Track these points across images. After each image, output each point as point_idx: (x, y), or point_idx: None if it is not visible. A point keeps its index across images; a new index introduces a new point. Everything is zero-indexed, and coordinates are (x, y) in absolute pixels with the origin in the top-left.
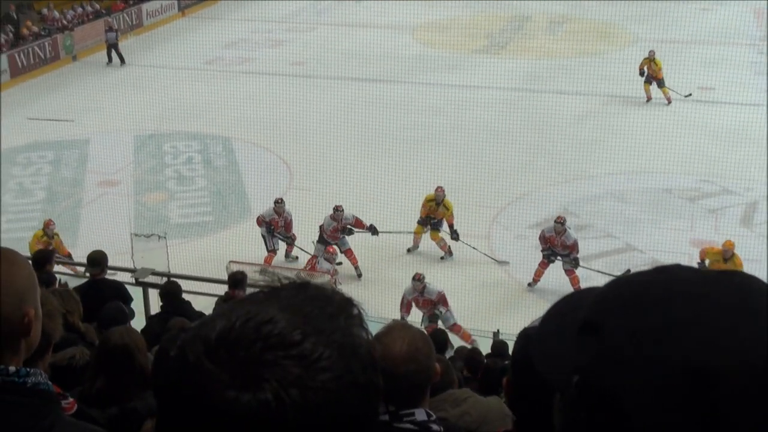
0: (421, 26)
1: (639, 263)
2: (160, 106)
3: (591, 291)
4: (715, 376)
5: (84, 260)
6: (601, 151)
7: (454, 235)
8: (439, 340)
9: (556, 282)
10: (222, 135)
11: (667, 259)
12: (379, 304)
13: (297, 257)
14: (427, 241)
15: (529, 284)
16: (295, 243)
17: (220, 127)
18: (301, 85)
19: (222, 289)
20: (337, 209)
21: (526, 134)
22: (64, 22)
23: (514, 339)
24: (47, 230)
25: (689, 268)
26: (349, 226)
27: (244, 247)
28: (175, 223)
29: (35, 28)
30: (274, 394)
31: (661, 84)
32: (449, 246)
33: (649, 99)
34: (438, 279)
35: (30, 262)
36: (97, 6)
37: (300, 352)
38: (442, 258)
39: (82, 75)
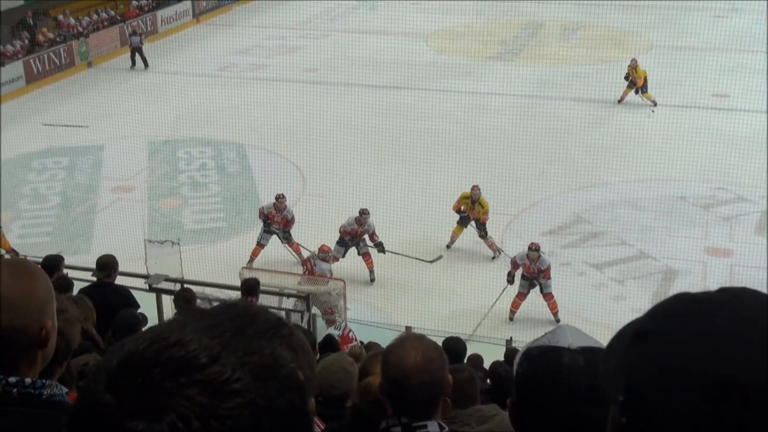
0: (434, 33)
1: (652, 271)
2: (175, 113)
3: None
4: (743, 392)
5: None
6: (615, 159)
7: (483, 233)
8: (457, 349)
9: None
10: (235, 141)
11: (680, 266)
12: (392, 310)
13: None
14: (462, 240)
15: (510, 318)
16: (290, 247)
17: (234, 134)
18: (315, 92)
19: (236, 296)
20: (363, 212)
21: (541, 141)
22: (80, 28)
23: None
24: None
25: (754, 292)
26: (365, 236)
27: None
28: (188, 229)
29: (51, 35)
30: (170, 426)
31: (643, 90)
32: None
33: (621, 100)
34: (449, 282)
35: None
36: (113, 12)
37: (205, 376)
38: (493, 258)
39: (97, 81)
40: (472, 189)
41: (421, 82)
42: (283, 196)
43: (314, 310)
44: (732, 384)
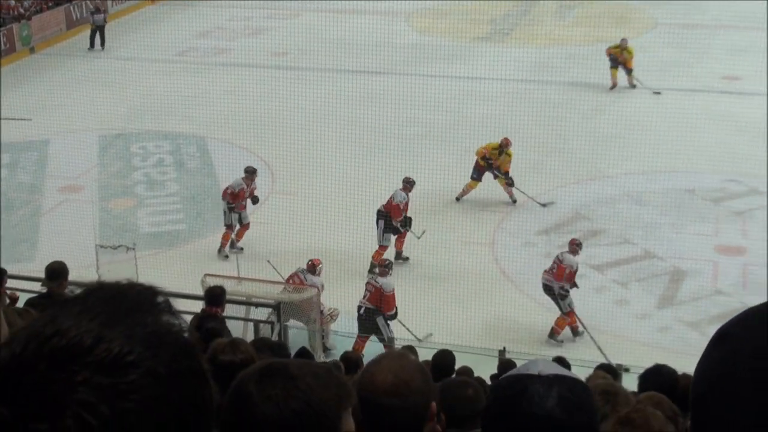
0: (417, 12)
1: (658, 271)
2: (128, 103)
3: None
4: None
5: (42, 273)
6: (617, 149)
7: (510, 181)
8: (446, 364)
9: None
10: (196, 134)
11: (689, 267)
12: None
13: (242, 248)
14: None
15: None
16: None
17: (194, 126)
18: (284, 78)
19: (198, 306)
20: (408, 180)
21: (535, 130)
22: (21, 10)
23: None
24: None
25: None
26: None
27: (222, 259)
28: (144, 232)
29: None
30: (75, 418)
31: (629, 72)
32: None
33: (614, 86)
34: (435, 287)
35: None
36: None
37: (95, 357)
38: (514, 201)
39: (40, 69)
40: (503, 140)
41: (402, 66)
42: (255, 170)
43: (292, 322)
44: None
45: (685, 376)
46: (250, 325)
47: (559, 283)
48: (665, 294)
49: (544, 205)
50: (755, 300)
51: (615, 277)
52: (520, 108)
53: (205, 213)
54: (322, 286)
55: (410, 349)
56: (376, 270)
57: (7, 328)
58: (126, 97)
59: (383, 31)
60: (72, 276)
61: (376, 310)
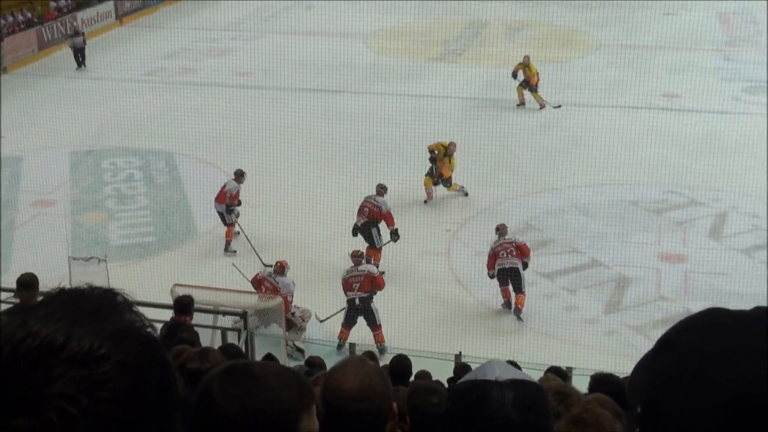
0: (374, 33)
1: (605, 279)
2: (98, 121)
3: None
4: (755, 410)
5: (14, 285)
6: (564, 163)
7: (444, 183)
8: (402, 368)
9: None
10: (164, 150)
11: (634, 274)
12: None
13: (235, 251)
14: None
15: (507, 308)
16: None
17: (163, 142)
18: (249, 97)
19: (167, 314)
20: (382, 186)
21: (486, 145)
22: None
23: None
24: None
25: None
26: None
27: (190, 269)
28: (115, 245)
29: None
30: (57, 412)
31: (533, 90)
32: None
33: (521, 103)
34: (394, 295)
35: None
36: (30, 15)
37: (70, 353)
38: (466, 194)
39: (13, 88)
40: (451, 143)
41: (361, 85)
42: (243, 171)
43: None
44: (749, 403)
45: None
46: (218, 333)
47: (524, 259)
48: (611, 300)
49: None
50: (697, 305)
51: (564, 284)
52: (471, 124)
53: (174, 225)
54: (294, 285)
55: (370, 356)
56: (353, 266)
57: None
58: (96, 115)
59: (342, 52)
60: (45, 287)
61: (370, 296)
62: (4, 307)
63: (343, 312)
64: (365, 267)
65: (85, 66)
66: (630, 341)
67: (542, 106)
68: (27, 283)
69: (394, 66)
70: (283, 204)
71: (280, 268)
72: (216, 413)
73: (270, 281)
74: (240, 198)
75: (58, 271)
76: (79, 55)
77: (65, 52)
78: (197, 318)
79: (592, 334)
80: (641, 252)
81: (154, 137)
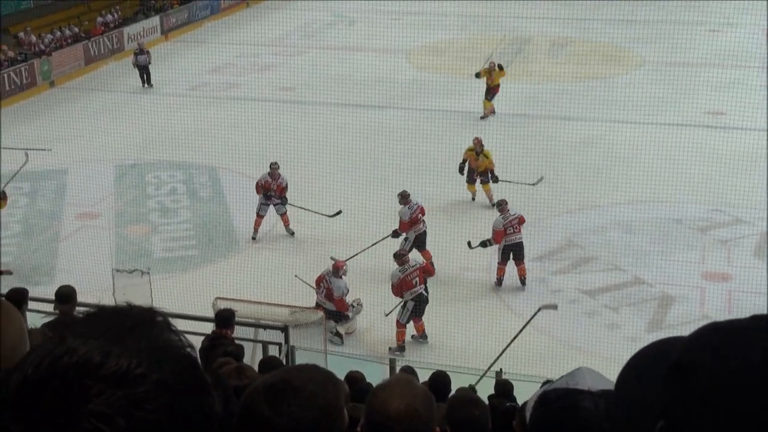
0: (416, 50)
1: (647, 297)
2: (143, 135)
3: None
4: None
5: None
6: (607, 180)
7: (494, 179)
8: (441, 383)
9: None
10: (207, 164)
11: (677, 292)
12: (373, 339)
13: (294, 233)
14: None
15: (499, 285)
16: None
17: (206, 156)
18: (291, 112)
19: (209, 327)
20: (403, 194)
21: (528, 162)
22: (42, 46)
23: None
24: None
25: None
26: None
27: (232, 283)
28: (158, 258)
29: (11, 53)
30: (92, 431)
31: (490, 97)
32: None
33: (489, 114)
34: (435, 311)
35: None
36: (77, 29)
37: (107, 371)
38: (493, 205)
39: (59, 101)
40: (474, 141)
41: (402, 100)
42: (277, 164)
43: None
44: None
45: None
46: (259, 346)
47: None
48: (654, 318)
49: (534, 184)
50: None
51: (606, 302)
52: (513, 140)
53: (216, 239)
54: (347, 290)
55: (412, 372)
56: (401, 265)
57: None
58: (141, 129)
59: (384, 68)
60: (89, 299)
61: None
62: (46, 319)
63: (408, 308)
64: (415, 261)
65: (150, 85)
66: None
67: (485, 116)
68: (65, 295)
69: (435, 82)
70: (322, 218)
71: (336, 270)
72: (266, 428)
73: (327, 281)
74: (270, 189)
75: (102, 283)
76: (144, 73)
77: (111, 67)
78: (238, 331)
79: (634, 353)
80: (685, 270)
81: (197, 151)
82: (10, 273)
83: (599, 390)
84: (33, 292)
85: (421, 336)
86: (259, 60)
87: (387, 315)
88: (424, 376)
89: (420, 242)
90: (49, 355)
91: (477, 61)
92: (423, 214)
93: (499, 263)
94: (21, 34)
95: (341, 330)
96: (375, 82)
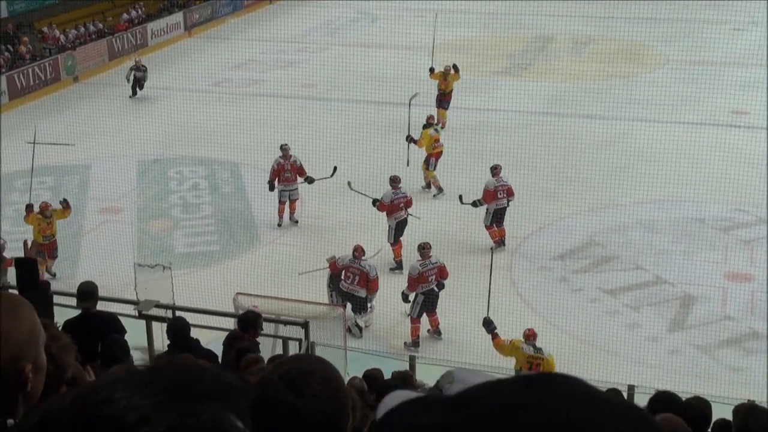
0: (439, 47)
1: (669, 296)
2: (165, 130)
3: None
4: None
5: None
6: (629, 179)
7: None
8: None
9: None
10: (229, 160)
11: (699, 292)
12: (393, 335)
13: (297, 221)
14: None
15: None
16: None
17: (228, 152)
18: (313, 108)
19: (229, 322)
20: (393, 178)
21: (550, 160)
22: (66, 41)
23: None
24: (45, 212)
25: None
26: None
27: (253, 278)
28: (180, 253)
29: (30, 47)
30: None
31: (446, 105)
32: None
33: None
34: (454, 311)
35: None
36: (101, 25)
37: None
38: (434, 196)
39: (83, 97)
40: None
41: (424, 98)
42: (287, 144)
43: (319, 339)
44: None
45: (696, 398)
46: (279, 342)
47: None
48: (676, 318)
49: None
50: (762, 325)
51: (627, 301)
52: (536, 138)
53: (237, 235)
54: (375, 271)
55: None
56: (422, 259)
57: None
58: (163, 124)
59: (407, 65)
60: (111, 292)
61: (441, 283)
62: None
63: (419, 301)
64: (436, 259)
65: (140, 91)
66: (694, 360)
67: (443, 126)
68: (87, 292)
69: (458, 79)
70: (345, 214)
71: (361, 252)
72: (292, 413)
73: (358, 267)
74: (285, 170)
75: (124, 278)
76: (137, 86)
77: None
78: None
79: (655, 353)
80: (707, 270)
81: (219, 147)
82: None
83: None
84: (55, 285)
85: (436, 332)
86: (282, 57)
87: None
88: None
89: (399, 231)
90: (88, 397)
91: (500, 58)
92: (407, 206)
93: (487, 227)
94: (45, 29)
95: (360, 323)
96: (398, 78)
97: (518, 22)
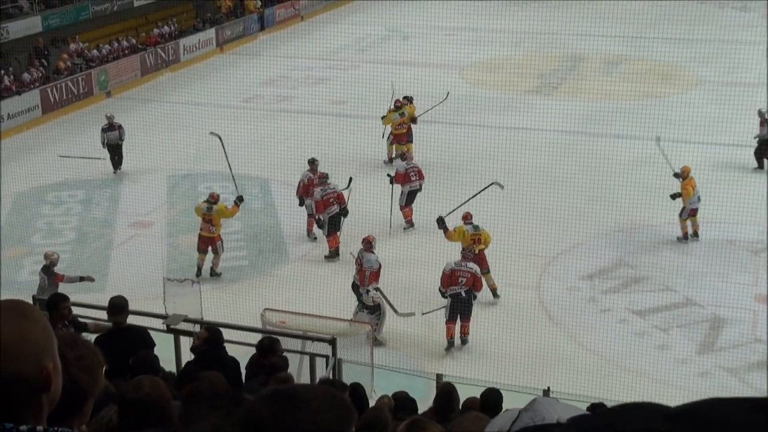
0: (469, 65)
1: (699, 318)
2: (196, 145)
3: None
4: None
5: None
6: (660, 199)
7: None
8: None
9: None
10: (259, 176)
11: (729, 315)
12: (420, 353)
13: (316, 237)
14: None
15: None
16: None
17: (258, 168)
18: (343, 125)
19: (256, 338)
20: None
21: (581, 179)
22: (99, 57)
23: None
24: (209, 200)
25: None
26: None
27: (281, 294)
28: (208, 267)
29: (70, 63)
30: None
31: (410, 139)
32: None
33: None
34: (483, 326)
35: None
36: (134, 41)
37: None
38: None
39: (115, 112)
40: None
41: (455, 116)
42: (316, 159)
43: (346, 356)
44: None
45: None
46: (306, 358)
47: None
48: (705, 340)
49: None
50: None
51: (656, 322)
52: (566, 158)
53: (266, 250)
54: (379, 265)
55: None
56: (461, 260)
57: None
58: (194, 139)
59: (437, 83)
60: (140, 306)
61: (470, 290)
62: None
63: (447, 305)
64: (473, 266)
65: (120, 169)
66: (723, 383)
67: (396, 156)
68: (118, 306)
69: (488, 98)
70: (372, 231)
71: (368, 244)
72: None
73: (360, 258)
74: (314, 185)
75: (153, 291)
76: (116, 155)
77: (167, 78)
78: (285, 343)
79: (684, 375)
80: (737, 292)
81: (249, 163)
82: (92, 280)
83: (568, 419)
84: (85, 298)
85: (461, 339)
86: (312, 73)
87: (425, 314)
88: (465, 391)
89: (333, 224)
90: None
91: (530, 77)
92: (339, 202)
93: (402, 206)
94: (79, 44)
95: (379, 338)
96: (427, 97)
97: (549, 41)
